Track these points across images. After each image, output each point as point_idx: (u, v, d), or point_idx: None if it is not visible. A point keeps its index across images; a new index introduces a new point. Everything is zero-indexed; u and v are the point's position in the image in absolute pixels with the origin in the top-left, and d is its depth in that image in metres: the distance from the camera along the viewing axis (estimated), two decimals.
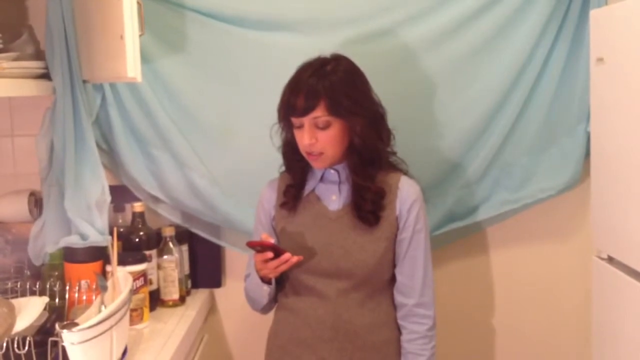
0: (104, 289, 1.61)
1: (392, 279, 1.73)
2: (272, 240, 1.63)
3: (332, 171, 1.72)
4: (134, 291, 1.82)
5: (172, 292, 2.07)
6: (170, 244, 2.07)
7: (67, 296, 1.80)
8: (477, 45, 2.03)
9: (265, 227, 1.78)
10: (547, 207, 2.15)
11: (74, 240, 1.84)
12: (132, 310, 1.81)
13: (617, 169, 1.68)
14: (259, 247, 1.62)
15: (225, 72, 2.06)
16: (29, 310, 1.58)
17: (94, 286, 1.80)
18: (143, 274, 1.91)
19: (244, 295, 1.81)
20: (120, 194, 2.07)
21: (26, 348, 1.48)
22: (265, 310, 1.80)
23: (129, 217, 2.09)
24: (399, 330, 1.72)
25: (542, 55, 2.03)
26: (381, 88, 1.72)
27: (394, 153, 1.76)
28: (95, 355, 1.45)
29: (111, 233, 1.82)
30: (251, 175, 2.01)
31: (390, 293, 1.73)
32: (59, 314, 1.76)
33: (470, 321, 2.26)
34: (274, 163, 1.80)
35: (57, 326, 1.42)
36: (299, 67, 1.66)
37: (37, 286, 1.80)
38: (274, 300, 1.78)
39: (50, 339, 1.52)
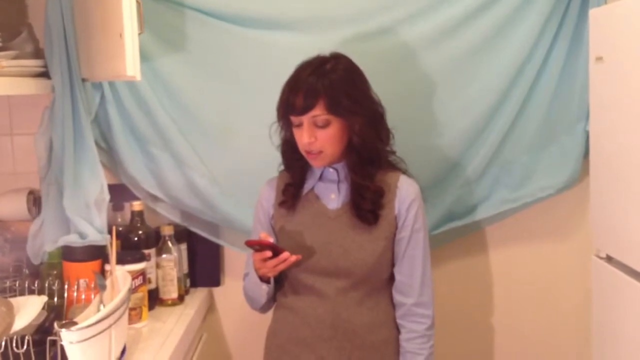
0: (102, 287, 1.60)
1: (391, 278, 1.72)
2: (271, 239, 1.63)
3: (331, 170, 1.72)
4: (132, 290, 1.82)
5: (171, 291, 2.07)
6: (169, 243, 2.07)
7: (65, 295, 1.80)
8: (476, 44, 2.03)
9: (264, 226, 1.77)
10: (546, 206, 2.15)
11: (72, 239, 1.84)
12: (131, 309, 1.81)
13: (616, 168, 1.68)
14: (257, 246, 1.62)
15: (225, 71, 2.06)
16: (28, 309, 1.58)
17: (92, 285, 1.80)
18: (142, 273, 1.91)
19: (242, 294, 1.81)
20: (119, 193, 2.06)
21: (25, 347, 1.48)
22: (264, 309, 1.80)
23: (127, 216, 2.09)
24: (397, 329, 1.72)
25: (541, 54, 2.03)
26: (380, 87, 1.72)
27: (393, 152, 1.76)
28: (94, 354, 1.44)
29: (110, 232, 1.82)
30: (251, 175, 2.01)
31: (389, 292, 1.73)
32: (58, 313, 1.75)
33: (469, 321, 2.26)
34: (274, 162, 1.80)
35: (55, 325, 1.41)
36: (298, 66, 1.66)
37: (36, 285, 1.80)
38: (272, 299, 1.78)
39: (49, 338, 1.52)
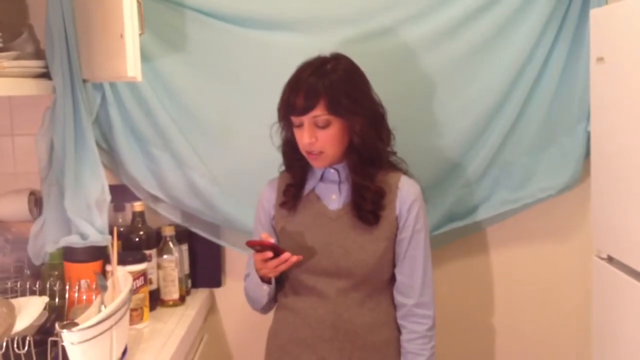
0: (103, 288, 1.60)
1: (392, 279, 1.73)
2: (272, 240, 1.63)
3: (332, 170, 1.72)
4: (133, 291, 1.82)
5: (172, 292, 2.07)
6: (170, 244, 2.07)
7: (67, 296, 1.80)
8: (477, 45, 2.03)
9: (265, 226, 1.77)
10: (547, 206, 2.15)
11: (73, 240, 1.84)
12: (132, 309, 1.81)
13: (617, 168, 1.68)
14: (258, 246, 1.62)
15: (226, 71, 2.06)
16: (29, 310, 1.58)
17: (93, 286, 1.80)
18: (143, 274, 1.91)
19: (243, 295, 1.81)
20: (120, 194, 2.06)
21: (26, 348, 1.48)
22: (265, 310, 1.80)
23: (128, 216, 2.09)
24: (398, 330, 1.72)
25: (542, 54, 2.03)
26: (381, 87, 1.72)
27: (394, 153, 1.76)
28: (95, 355, 1.44)
29: (111, 232, 1.82)
30: (251, 175, 2.01)
31: (390, 293, 1.73)
32: (59, 314, 1.76)
33: (469, 321, 2.26)
34: (274, 162, 1.80)
35: (57, 326, 1.41)
36: (299, 66, 1.66)
37: (37, 286, 1.80)
38: (273, 299, 1.78)
39: (50, 338, 1.52)
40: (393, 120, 1.73)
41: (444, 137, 2.07)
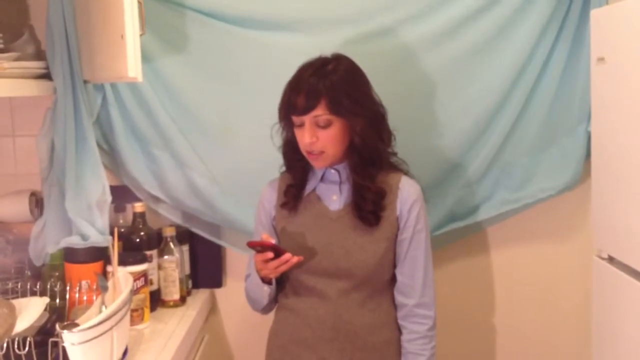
0: (104, 289, 1.61)
1: (393, 279, 1.73)
2: (273, 241, 1.63)
3: (332, 171, 1.72)
4: (134, 291, 1.82)
5: (172, 292, 2.07)
6: (171, 244, 2.07)
7: (67, 296, 1.80)
8: (477, 45, 2.03)
9: (266, 227, 1.78)
10: (547, 207, 2.15)
11: (74, 241, 1.84)
12: (133, 310, 1.81)
13: (617, 169, 1.68)
14: (259, 247, 1.62)
15: (226, 72, 2.06)
16: (30, 311, 1.58)
17: (94, 286, 1.80)
18: (144, 274, 1.91)
19: (244, 295, 1.81)
20: (121, 194, 2.07)
21: (26, 349, 1.48)
22: (265, 310, 1.80)
23: (129, 217, 2.09)
24: (399, 330, 1.72)
25: (542, 55, 2.03)
26: (381, 88, 1.72)
27: (395, 153, 1.76)
28: (95, 355, 1.45)
29: (112, 233, 1.82)
30: (251, 175, 2.01)
31: (390, 293, 1.73)
32: (60, 315, 1.76)
33: (470, 321, 2.26)
34: (274, 163, 1.80)
35: (57, 327, 1.42)
36: (300, 67, 1.66)
37: (38, 286, 1.80)
38: (274, 300, 1.78)
39: (51, 339, 1.53)
40: (393, 120, 1.73)
41: (444, 137, 2.07)
